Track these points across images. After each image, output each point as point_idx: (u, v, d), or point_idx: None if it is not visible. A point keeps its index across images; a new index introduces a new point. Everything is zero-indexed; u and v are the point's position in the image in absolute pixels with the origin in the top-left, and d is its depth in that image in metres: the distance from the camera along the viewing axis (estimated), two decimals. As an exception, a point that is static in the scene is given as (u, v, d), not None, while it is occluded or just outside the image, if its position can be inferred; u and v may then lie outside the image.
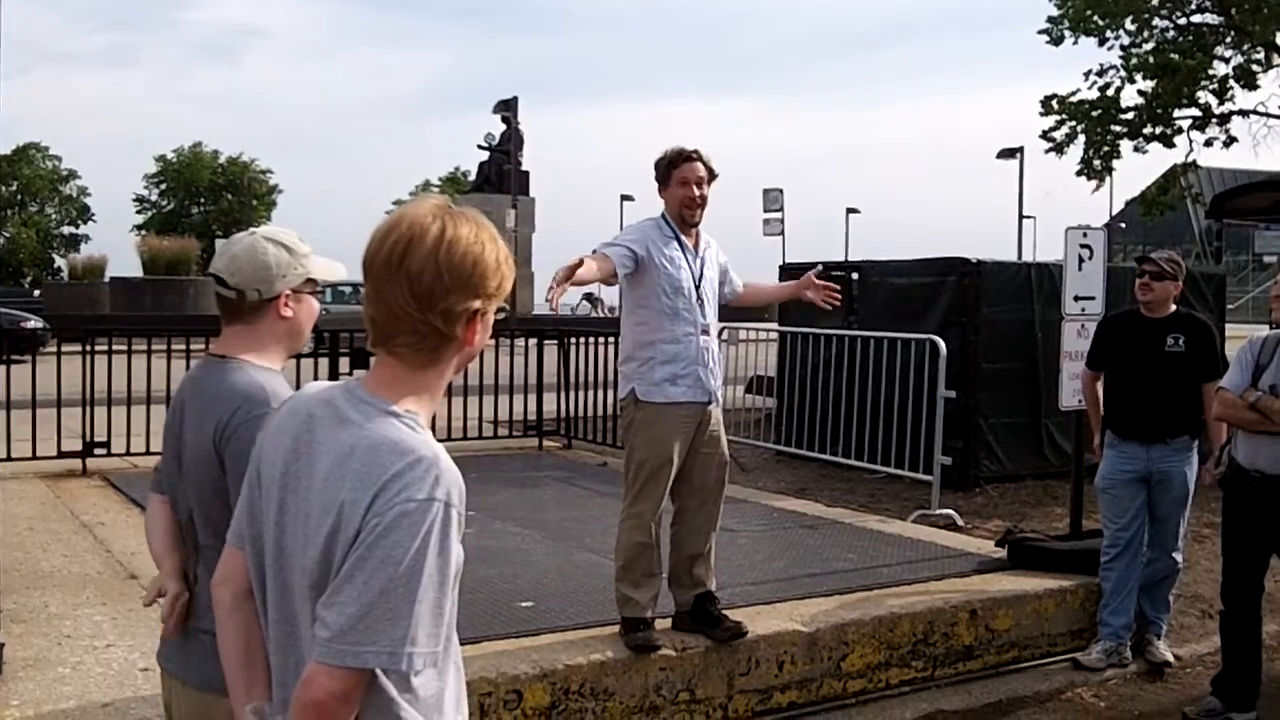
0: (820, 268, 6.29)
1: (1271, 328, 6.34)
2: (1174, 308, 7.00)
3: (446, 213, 2.13)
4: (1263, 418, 6.01)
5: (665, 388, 5.78)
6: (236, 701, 2.30)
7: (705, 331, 5.89)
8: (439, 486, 2.00)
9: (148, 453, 10.03)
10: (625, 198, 49.47)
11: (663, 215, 5.96)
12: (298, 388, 2.48)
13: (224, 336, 2.97)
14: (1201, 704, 6.43)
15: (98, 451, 10.46)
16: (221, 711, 2.39)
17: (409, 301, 2.07)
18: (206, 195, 73.37)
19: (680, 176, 5.86)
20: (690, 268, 5.87)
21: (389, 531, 1.95)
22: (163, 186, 73.81)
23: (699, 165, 5.88)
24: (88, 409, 10.38)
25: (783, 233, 23.52)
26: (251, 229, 3.08)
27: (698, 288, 5.88)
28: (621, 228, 5.96)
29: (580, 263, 5.43)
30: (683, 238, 5.90)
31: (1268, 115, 21.04)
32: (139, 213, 73.29)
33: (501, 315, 2.24)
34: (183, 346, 10.60)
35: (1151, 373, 6.88)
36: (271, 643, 2.20)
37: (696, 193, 5.85)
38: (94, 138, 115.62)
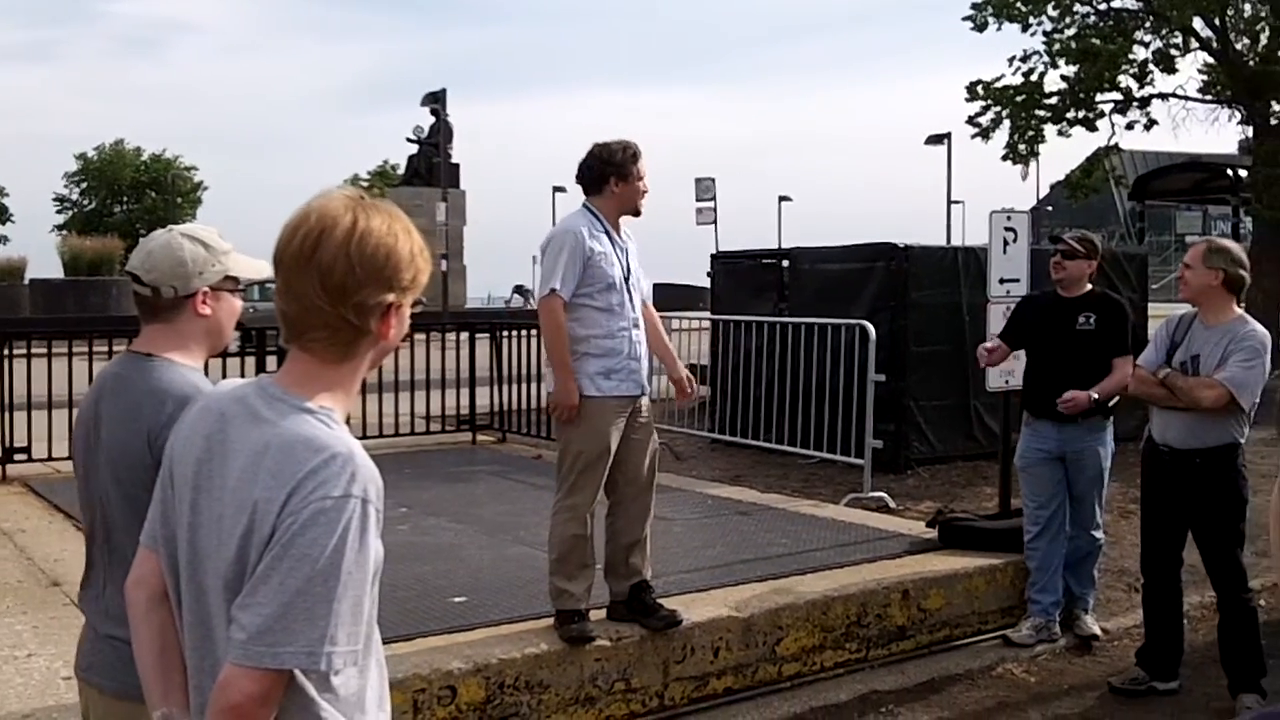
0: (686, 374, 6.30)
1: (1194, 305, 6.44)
2: (1089, 287, 7.09)
3: (358, 204, 2.10)
4: (1170, 393, 6.11)
5: (599, 381, 5.78)
6: (152, 706, 2.26)
7: (636, 325, 5.91)
8: (355, 483, 1.97)
9: (69, 458, 9.84)
10: (558, 189, 49.32)
11: (587, 208, 5.94)
12: None
13: (144, 335, 2.91)
14: (1126, 674, 6.53)
15: (18, 457, 10.24)
16: (142, 718, 2.35)
17: (320, 295, 2.04)
18: (129, 193, 72.33)
19: (641, 171, 5.90)
20: (620, 262, 5.87)
21: (305, 530, 1.92)
22: (84, 185, 72.69)
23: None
24: (7, 414, 10.18)
25: (715, 222, 23.53)
26: (170, 226, 3.03)
27: (627, 281, 5.88)
28: (554, 220, 5.99)
29: (564, 357, 5.74)
30: (612, 231, 5.90)
31: (1186, 98, 21.32)
32: (59, 212, 72.30)
33: (419, 309, 2.22)
34: (105, 348, 10.42)
35: (1062, 351, 6.95)
36: (187, 645, 2.16)
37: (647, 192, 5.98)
38: (11, 136, 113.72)
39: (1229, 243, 6.41)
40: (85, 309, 31.21)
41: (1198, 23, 20.08)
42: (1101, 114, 21.35)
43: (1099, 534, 7.25)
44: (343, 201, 2.09)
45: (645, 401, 5.99)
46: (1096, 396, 6.82)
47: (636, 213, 6.00)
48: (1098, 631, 7.19)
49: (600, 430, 5.78)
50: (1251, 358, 5.95)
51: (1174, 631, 6.46)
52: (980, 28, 21.65)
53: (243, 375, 2.70)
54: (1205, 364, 6.05)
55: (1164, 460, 6.24)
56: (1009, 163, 21.97)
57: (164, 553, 2.20)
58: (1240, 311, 6.18)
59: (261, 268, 3.02)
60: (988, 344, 7.45)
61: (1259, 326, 6.13)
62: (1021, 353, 7.43)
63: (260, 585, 1.92)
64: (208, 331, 2.92)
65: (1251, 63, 20.00)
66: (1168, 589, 6.42)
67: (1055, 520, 7.11)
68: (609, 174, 5.86)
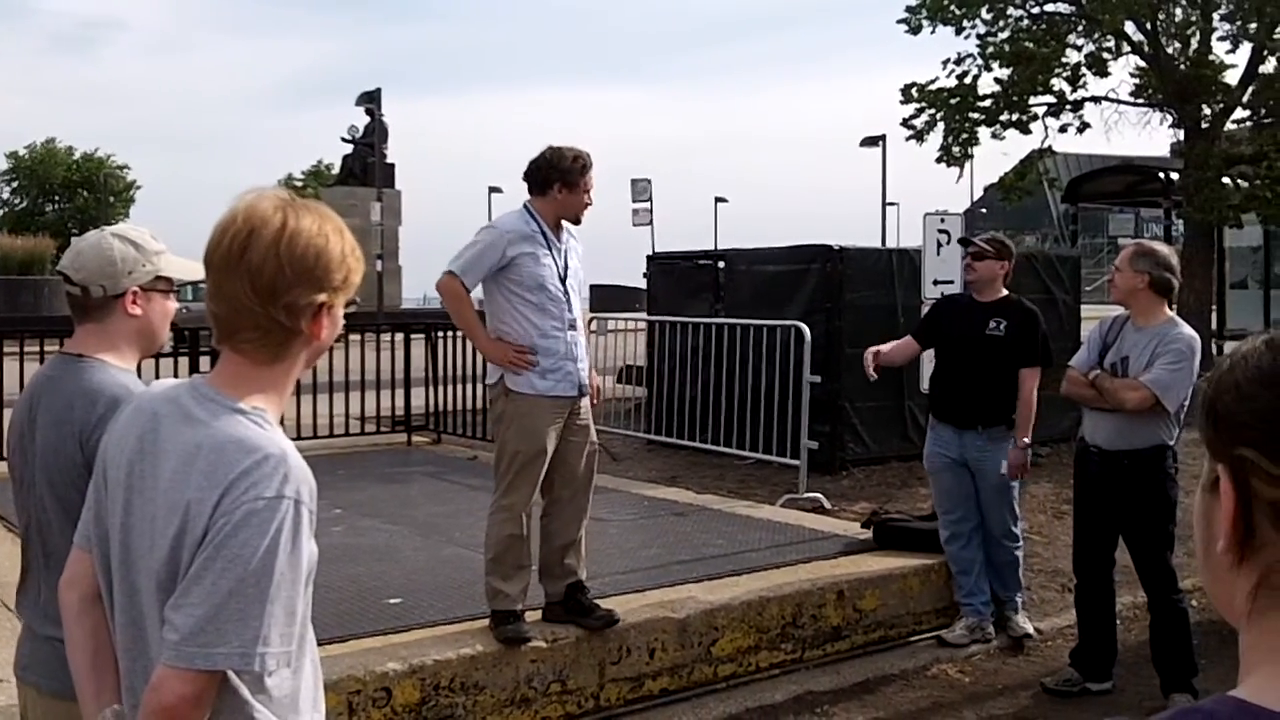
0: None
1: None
2: (1004, 292, 7.10)
3: (288, 205, 2.10)
4: (1099, 395, 6.17)
5: (534, 380, 5.77)
6: (86, 708, 2.25)
7: (572, 326, 5.91)
8: (288, 484, 1.97)
9: (3, 458, 9.71)
10: (494, 189, 49.18)
11: (526, 208, 5.95)
12: None
13: (76, 336, 2.92)
14: (1060, 675, 6.58)
15: (-52, 458, 10.08)
16: (78, 718, 2.33)
17: (251, 296, 2.03)
18: (61, 193, 71.42)
19: (588, 183, 5.93)
20: (556, 264, 5.87)
21: (237, 530, 1.92)
22: (14, 184, 71.71)
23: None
24: (-63, 414, 10.00)
25: (651, 223, 23.50)
26: (102, 226, 3.02)
27: (563, 282, 5.88)
28: (490, 218, 5.98)
29: (474, 321, 5.90)
30: (550, 233, 5.89)
31: (1118, 101, 21.52)
32: (-10, 211, 71.15)
33: (352, 309, 2.21)
34: (37, 348, 10.27)
35: (969, 356, 6.98)
36: (119, 646, 2.15)
37: (590, 205, 6.00)
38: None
39: (1159, 246, 6.48)
40: (16, 309, 30.77)
41: (1129, 26, 20.30)
42: (1035, 117, 21.51)
43: (1015, 544, 7.25)
44: (272, 202, 2.09)
45: (585, 403, 6.00)
46: (1028, 442, 6.94)
47: (576, 221, 6.04)
48: (1030, 630, 7.24)
49: (536, 429, 5.77)
50: (1177, 360, 6.02)
51: (1107, 632, 6.52)
52: (915, 30, 21.77)
53: (176, 375, 2.70)
54: (1134, 365, 6.11)
55: (1093, 461, 6.30)
56: (943, 165, 22.10)
57: (97, 553, 2.19)
58: (1171, 314, 6.26)
59: (195, 269, 3.01)
60: (872, 352, 7.18)
61: (1188, 329, 6.20)
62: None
63: (193, 586, 1.92)
64: (139, 332, 2.92)
65: (1182, 66, 20.24)
66: (1100, 589, 6.48)
67: (966, 524, 7.14)
68: (554, 179, 5.88)
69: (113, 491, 2.14)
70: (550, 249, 5.87)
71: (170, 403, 2.11)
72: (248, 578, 1.90)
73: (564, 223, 6.00)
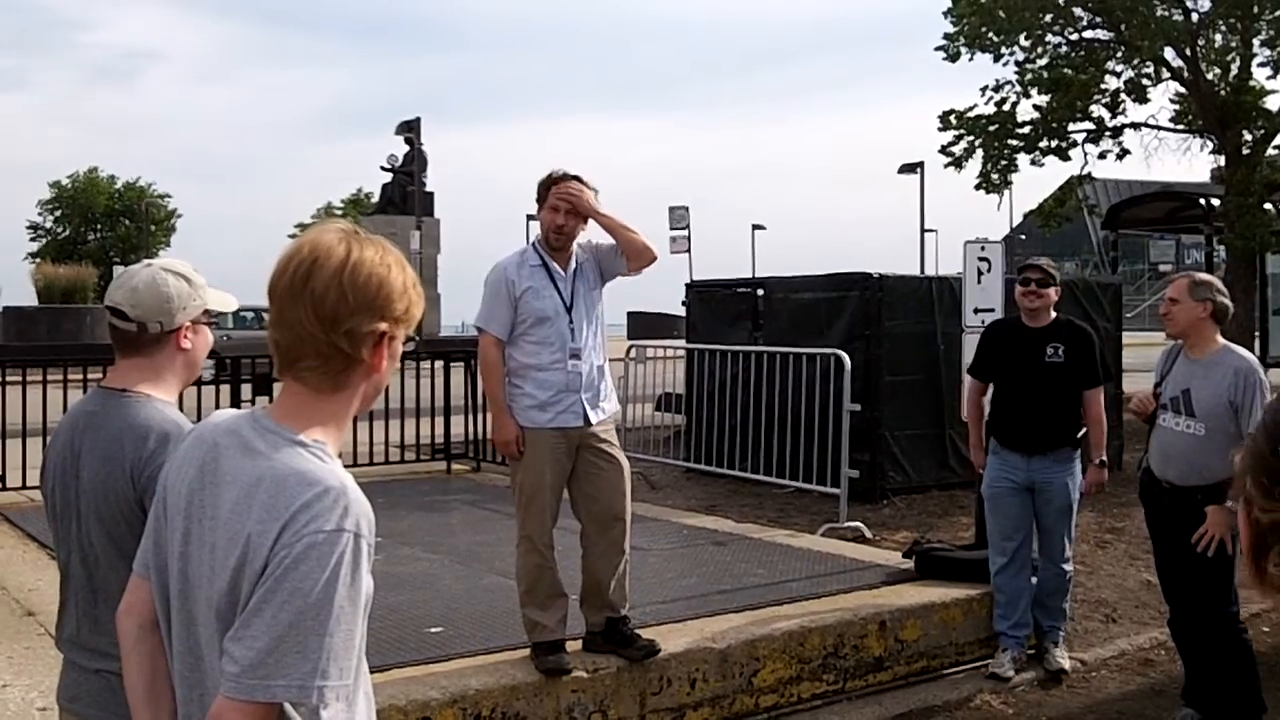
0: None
1: (1167, 336, 6.42)
2: (1054, 315, 7.09)
3: (352, 236, 2.13)
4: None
5: (533, 413, 5.77)
6: None
7: (575, 355, 5.83)
8: (348, 517, 1.97)
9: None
10: (531, 217, 49.32)
11: (534, 241, 5.98)
12: (199, 415, 2.44)
13: (119, 369, 2.92)
14: (1179, 715, 6.33)
15: (-7, 485, 10.18)
16: None
17: (313, 322, 2.05)
18: (103, 221, 71.96)
19: (551, 198, 5.83)
20: (559, 293, 5.84)
21: (298, 563, 1.93)
22: (58, 213, 72.35)
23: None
24: (-18, 442, 10.11)
25: (689, 250, 23.44)
26: (147, 260, 3.06)
27: (568, 312, 5.84)
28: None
29: (495, 393, 5.84)
30: (551, 263, 5.88)
31: (1158, 128, 21.42)
32: (33, 240, 71.81)
33: (410, 345, 2.23)
34: (80, 376, 10.37)
35: (1032, 384, 6.95)
36: (176, 674, 2.16)
37: (562, 221, 5.81)
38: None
39: (1207, 275, 6.40)
40: (59, 336, 31.05)
41: (1169, 53, 20.21)
42: (1074, 143, 21.42)
43: (1068, 567, 7.22)
44: (336, 234, 2.12)
45: (611, 434, 5.98)
46: (1105, 459, 6.97)
47: (550, 245, 5.89)
48: (1067, 666, 7.14)
49: (534, 462, 5.78)
50: (1261, 400, 5.76)
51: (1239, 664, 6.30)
52: (953, 58, 21.73)
53: (217, 403, 2.73)
54: (1198, 397, 5.96)
55: (1164, 495, 6.17)
56: (982, 192, 22.02)
57: (155, 581, 2.21)
58: (1224, 341, 6.14)
59: (229, 300, 3.07)
60: (977, 454, 7.43)
61: (1249, 355, 6.08)
62: None
63: (253, 618, 1.93)
64: (185, 365, 2.96)
65: (1222, 92, 20.14)
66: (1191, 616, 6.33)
67: (1022, 551, 7.10)
68: (537, 202, 5.91)
69: (172, 520, 2.15)
70: (551, 278, 5.86)
71: (231, 434, 2.13)
72: (307, 610, 1.91)
73: (575, 245, 5.96)
